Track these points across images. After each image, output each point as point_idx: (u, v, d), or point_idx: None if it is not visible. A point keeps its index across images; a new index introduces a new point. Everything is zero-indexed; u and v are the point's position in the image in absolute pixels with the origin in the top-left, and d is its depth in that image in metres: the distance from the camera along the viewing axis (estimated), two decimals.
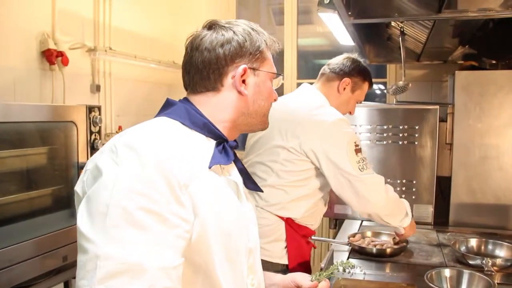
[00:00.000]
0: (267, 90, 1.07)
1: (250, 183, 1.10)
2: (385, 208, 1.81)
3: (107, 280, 0.74)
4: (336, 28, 2.18)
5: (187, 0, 3.82)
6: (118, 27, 3.00)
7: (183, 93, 1.09)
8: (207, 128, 1.00)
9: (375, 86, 3.76)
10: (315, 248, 2.01)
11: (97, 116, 2.13)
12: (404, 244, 2.01)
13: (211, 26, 1.04)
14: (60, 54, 2.49)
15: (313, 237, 1.95)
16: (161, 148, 0.85)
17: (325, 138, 1.73)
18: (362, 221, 2.52)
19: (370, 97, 3.74)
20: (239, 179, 1.05)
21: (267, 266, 1.75)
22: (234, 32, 1.01)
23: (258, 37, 1.04)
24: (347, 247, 2.04)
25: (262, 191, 1.16)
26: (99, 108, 2.18)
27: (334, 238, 2.41)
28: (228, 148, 1.02)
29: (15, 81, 2.29)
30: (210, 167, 0.93)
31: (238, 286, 0.97)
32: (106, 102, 2.92)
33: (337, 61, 1.93)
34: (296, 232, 1.79)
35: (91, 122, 2.10)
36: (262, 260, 1.72)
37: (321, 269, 1.66)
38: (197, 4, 3.85)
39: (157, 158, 0.82)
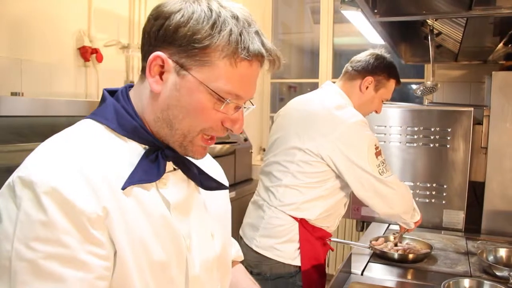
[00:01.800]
0: (192, 103, 0.78)
1: (210, 182, 0.92)
2: (404, 206, 1.82)
3: None
4: (363, 27, 2.13)
5: None
6: None
7: None
8: (137, 134, 0.81)
9: (414, 87, 3.65)
10: (332, 250, 1.97)
11: None
12: (428, 250, 1.94)
13: None
14: (95, 51, 2.57)
15: (332, 239, 1.92)
16: (64, 177, 0.70)
17: (344, 140, 1.69)
18: (389, 224, 2.45)
19: (409, 98, 3.63)
20: (177, 194, 0.85)
21: (279, 267, 1.74)
22: (182, 9, 0.77)
23: (209, 29, 0.75)
24: (368, 251, 1.99)
25: (227, 188, 0.99)
26: None
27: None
28: (162, 158, 0.82)
29: (51, 77, 2.39)
30: (123, 189, 0.75)
31: None
32: None
33: (359, 58, 1.87)
34: (310, 234, 1.76)
35: None
36: (274, 260, 1.74)
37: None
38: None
39: (58, 194, 0.68)
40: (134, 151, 0.81)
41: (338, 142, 1.69)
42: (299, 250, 1.75)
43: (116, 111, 0.82)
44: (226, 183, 1.03)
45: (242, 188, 3.44)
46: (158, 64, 0.78)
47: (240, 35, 0.76)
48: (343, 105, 1.78)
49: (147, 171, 0.79)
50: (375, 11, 1.81)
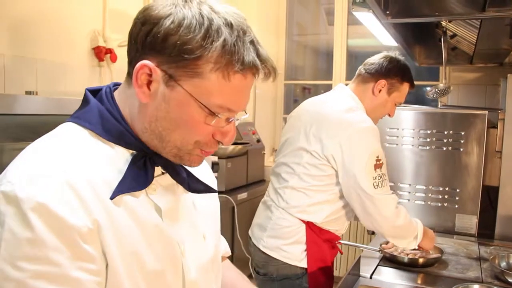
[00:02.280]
0: (182, 117, 0.73)
1: (198, 185, 0.89)
2: (390, 231, 1.75)
3: None
4: (375, 28, 2.11)
5: (237, 1, 3.86)
6: None
7: None
8: (124, 139, 0.77)
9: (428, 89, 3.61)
10: (341, 253, 1.95)
11: None
12: (439, 254, 1.91)
13: None
14: (109, 51, 2.61)
15: (342, 242, 1.90)
16: (51, 192, 0.66)
17: (347, 144, 1.67)
18: None
19: (424, 100, 3.59)
20: (168, 198, 0.83)
21: (286, 268, 1.73)
22: (172, 14, 0.70)
23: (200, 39, 0.69)
24: (378, 254, 1.97)
25: (216, 191, 0.94)
26: None
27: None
28: (150, 164, 0.78)
29: (66, 76, 2.43)
30: (111, 198, 0.72)
31: None
32: None
33: (373, 61, 1.85)
34: (317, 236, 1.74)
35: None
36: (281, 261, 1.73)
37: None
38: (247, 5, 3.87)
39: (46, 209, 0.64)
40: (122, 157, 0.77)
41: (343, 143, 1.67)
42: (305, 252, 1.74)
43: (101, 114, 0.77)
44: (215, 184, 1.02)
45: (254, 189, 3.45)
46: (145, 73, 0.72)
47: (234, 46, 0.70)
48: (354, 109, 1.76)
49: (136, 179, 0.75)
50: (387, 12, 1.79)
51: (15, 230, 0.64)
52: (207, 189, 0.90)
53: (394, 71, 1.82)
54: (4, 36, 2.10)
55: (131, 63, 0.75)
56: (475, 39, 2.17)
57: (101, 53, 2.57)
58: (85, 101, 0.80)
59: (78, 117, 0.78)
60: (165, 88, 0.72)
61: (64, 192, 0.67)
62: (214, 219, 0.98)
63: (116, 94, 0.81)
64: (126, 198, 0.74)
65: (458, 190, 2.36)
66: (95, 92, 0.82)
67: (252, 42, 0.73)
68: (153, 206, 0.79)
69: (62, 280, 0.65)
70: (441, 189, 2.39)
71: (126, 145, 0.78)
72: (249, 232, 1.93)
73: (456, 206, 2.36)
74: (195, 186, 0.88)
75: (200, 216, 0.91)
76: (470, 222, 2.33)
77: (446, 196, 2.39)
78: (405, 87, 1.85)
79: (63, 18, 2.38)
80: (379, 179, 1.67)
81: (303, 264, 1.74)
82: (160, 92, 0.73)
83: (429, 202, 2.42)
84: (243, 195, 3.25)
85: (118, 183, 0.73)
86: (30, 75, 2.22)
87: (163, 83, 0.72)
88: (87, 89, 0.82)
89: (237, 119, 0.79)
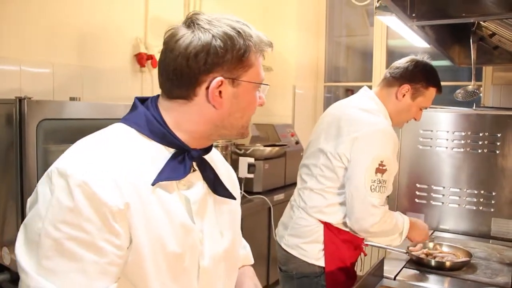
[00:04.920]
0: (248, 101, 0.95)
1: (222, 190, 1.03)
2: (371, 235, 1.75)
3: None
4: (405, 31, 2.08)
5: (277, 2, 3.92)
6: None
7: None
8: (166, 139, 0.93)
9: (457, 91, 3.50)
10: (365, 255, 1.96)
11: None
12: (467, 258, 1.88)
13: (190, 24, 0.90)
14: (150, 57, 2.75)
15: (368, 243, 1.92)
16: (95, 173, 0.81)
17: (356, 143, 1.68)
18: (433, 231, 2.39)
19: (469, 102, 3.49)
20: (196, 192, 0.96)
21: (304, 266, 1.78)
22: (213, 35, 0.88)
23: (243, 41, 0.90)
24: (404, 256, 1.97)
25: (235, 199, 1.06)
26: None
27: None
28: (188, 159, 0.94)
29: (109, 82, 2.59)
30: (153, 184, 0.87)
31: None
32: None
33: (398, 64, 1.85)
34: (335, 236, 1.77)
35: None
36: (300, 259, 1.78)
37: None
38: (287, 6, 3.92)
39: (87, 187, 0.79)
40: (163, 153, 0.92)
41: (353, 142, 1.68)
42: (323, 251, 1.77)
43: (147, 118, 0.92)
44: (238, 192, 1.14)
45: (291, 190, 3.43)
46: (216, 87, 0.90)
47: (256, 40, 0.92)
48: (371, 110, 1.77)
49: (174, 170, 0.91)
50: (413, 15, 1.78)
51: (61, 199, 0.79)
52: (229, 195, 1.04)
53: (419, 75, 1.79)
54: (55, 47, 2.28)
55: (190, 87, 0.91)
56: None
57: (143, 60, 2.72)
58: (134, 107, 0.96)
59: (127, 119, 0.94)
60: (232, 88, 0.92)
61: (104, 176, 0.81)
62: (232, 221, 1.09)
63: (161, 105, 0.95)
64: (159, 189, 0.89)
65: (494, 194, 2.30)
66: (142, 100, 0.98)
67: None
68: (181, 198, 0.93)
69: (89, 246, 0.79)
70: (476, 192, 2.34)
71: (168, 144, 0.93)
72: (276, 230, 1.99)
73: (492, 210, 2.30)
74: (219, 189, 1.02)
75: (219, 216, 1.03)
76: (506, 226, 2.27)
77: (481, 200, 2.33)
78: (431, 92, 1.82)
79: (107, 27, 2.54)
80: (377, 183, 1.65)
81: (321, 263, 1.77)
82: (230, 94, 0.92)
83: (464, 206, 2.37)
84: (280, 196, 3.29)
85: (158, 173, 0.88)
86: (77, 82, 2.39)
87: (230, 86, 0.92)
88: (136, 97, 0.98)
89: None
